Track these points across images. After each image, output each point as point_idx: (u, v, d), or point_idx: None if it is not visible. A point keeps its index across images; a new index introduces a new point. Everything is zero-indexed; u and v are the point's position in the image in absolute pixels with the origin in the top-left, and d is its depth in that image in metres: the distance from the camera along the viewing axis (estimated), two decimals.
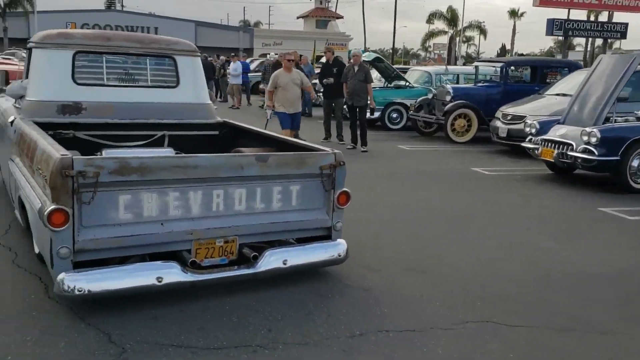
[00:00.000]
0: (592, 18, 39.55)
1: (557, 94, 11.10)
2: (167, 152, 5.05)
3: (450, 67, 18.74)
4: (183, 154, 4.42)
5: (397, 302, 3.95)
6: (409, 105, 14.46)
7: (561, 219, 6.54)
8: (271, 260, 3.87)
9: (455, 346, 3.35)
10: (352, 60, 11.33)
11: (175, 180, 3.56)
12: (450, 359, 3.22)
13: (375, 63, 15.36)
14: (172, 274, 3.54)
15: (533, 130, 9.17)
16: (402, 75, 15.84)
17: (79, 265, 3.39)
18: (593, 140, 7.72)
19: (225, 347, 3.21)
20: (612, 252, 5.35)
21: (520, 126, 10.27)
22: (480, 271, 4.65)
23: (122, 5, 63.35)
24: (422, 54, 74.55)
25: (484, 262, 4.89)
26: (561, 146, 8.16)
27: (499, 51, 78.35)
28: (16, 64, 15.45)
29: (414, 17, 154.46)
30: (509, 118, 11.15)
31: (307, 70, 14.79)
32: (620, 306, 4.06)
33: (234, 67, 19.87)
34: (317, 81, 15.08)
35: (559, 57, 34.72)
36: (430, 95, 13.62)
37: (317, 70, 19.10)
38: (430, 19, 54.87)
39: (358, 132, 11.18)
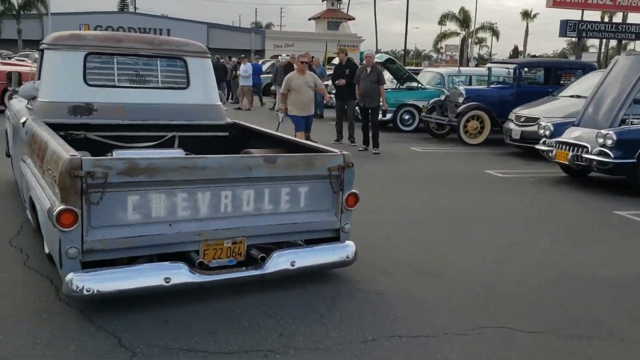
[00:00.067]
0: (606, 19, 39.18)
1: (572, 96, 10.97)
2: (177, 153, 5.05)
3: (462, 69, 18.64)
4: (192, 155, 4.41)
5: (410, 306, 3.89)
6: (421, 106, 14.39)
7: (576, 222, 6.45)
8: (279, 262, 3.85)
9: (471, 353, 3.28)
10: (364, 62, 11.28)
11: (184, 181, 3.56)
12: None
13: (387, 64, 15.30)
14: (180, 274, 3.54)
15: (547, 132, 9.06)
16: (414, 76, 15.77)
17: (87, 266, 3.39)
18: (609, 142, 7.61)
19: (236, 351, 3.17)
20: (628, 256, 5.26)
21: (534, 128, 10.17)
22: (493, 275, 4.58)
23: (135, 7, 63.84)
24: (434, 55, 74.42)
25: (497, 265, 4.82)
26: (576, 148, 8.05)
27: (511, 53, 78.00)
28: (30, 66, 15.57)
29: (425, 18, 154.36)
30: (522, 120, 11.04)
31: (318, 72, 14.75)
32: None
33: (244, 68, 19.95)
34: (329, 82, 15.05)
35: (572, 58, 34.47)
36: (442, 97, 13.54)
37: (329, 72, 19.12)
38: (443, 20, 54.65)
39: (370, 134, 11.13)
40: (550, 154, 8.57)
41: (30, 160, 4.49)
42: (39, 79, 5.34)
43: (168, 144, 5.45)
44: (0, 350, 3.08)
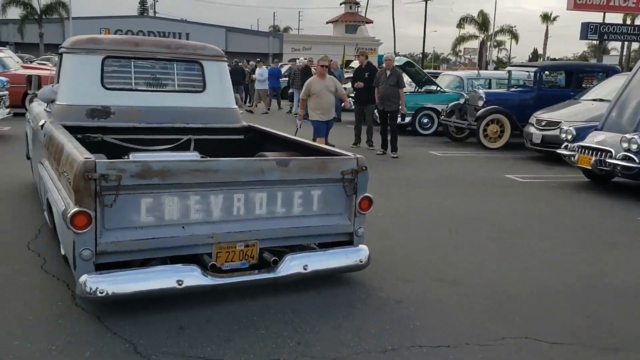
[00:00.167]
0: (628, 21, 38.64)
1: (594, 99, 10.77)
2: (192, 156, 5.05)
3: (482, 72, 18.46)
4: (207, 158, 4.40)
5: (430, 314, 3.80)
6: (440, 110, 14.27)
7: (599, 228, 6.30)
8: (292, 265, 3.82)
9: None
10: (384, 65, 11.19)
11: (197, 184, 3.54)
12: None
13: (406, 67, 15.19)
14: (193, 277, 3.52)
15: (569, 137, 8.90)
16: (433, 79, 15.65)
17: (101, 267, 3.39)
18: (633, 147, 7.45)
19: None
20: None
21: (555, 132, 9.98)
22: (515, 283, 4.47)
23: (155, 12, 64.45)
24: (452, 58, 74.02)
25: (519, 273, 4.70)
26: (599, 153, 7.89)
27: (530, 56, 77.32)
28: (50, 69, 15.75)
29: (442, 21, 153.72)
30: (543, 124, 10.87)
31: (336, 75, 14.71)
32: None
33: (260, 72, 20.17)
34: (347, 85, 14.98)
35: (592, 61, 34.02)
36: (462, 100, 13.41)
37: (347, 75, 19.07)
38: (461, 23, 54.31)
39: (388, 138, 11.03)
40: (572, 158, 8.41)
41: (47, 163, 4.52)
42: (57, 82, 5.37)
43: (184, 147, 5.47)
44: (16, 355, 3.06)
